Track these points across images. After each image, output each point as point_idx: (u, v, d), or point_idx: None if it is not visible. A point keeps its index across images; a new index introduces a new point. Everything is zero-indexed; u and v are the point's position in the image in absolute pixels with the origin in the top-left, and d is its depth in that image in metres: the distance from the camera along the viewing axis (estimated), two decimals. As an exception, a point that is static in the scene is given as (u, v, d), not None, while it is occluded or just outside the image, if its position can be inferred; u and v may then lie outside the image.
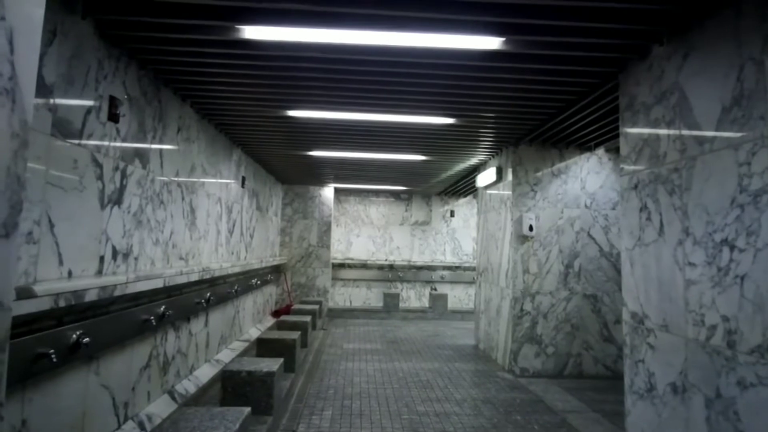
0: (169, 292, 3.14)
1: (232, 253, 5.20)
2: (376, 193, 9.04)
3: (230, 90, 3.39)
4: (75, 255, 2.24)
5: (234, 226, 5.23)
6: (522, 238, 4.63)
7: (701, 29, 2.07)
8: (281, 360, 3.37)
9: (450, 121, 3.91)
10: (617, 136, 4.09)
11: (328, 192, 8.28)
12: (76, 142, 2.26)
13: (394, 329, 7.07)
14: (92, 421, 2.33)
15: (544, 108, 3.57)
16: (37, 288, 1.77)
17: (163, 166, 3.27)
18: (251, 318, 5.99)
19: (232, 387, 2.97)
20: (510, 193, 4.78)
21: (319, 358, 5.03)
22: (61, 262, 2.14)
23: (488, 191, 5.65)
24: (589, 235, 4.68)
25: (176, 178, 3.51)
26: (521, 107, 3.57)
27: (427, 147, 4.98)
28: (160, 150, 3.22)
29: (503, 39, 2.43)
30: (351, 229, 8.99)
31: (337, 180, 7.65)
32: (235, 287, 4.83)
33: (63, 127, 2.15)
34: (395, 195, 9.11)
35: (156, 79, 3.12)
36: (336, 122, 4.08)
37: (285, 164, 6.34)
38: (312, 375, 4.36)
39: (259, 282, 6.02)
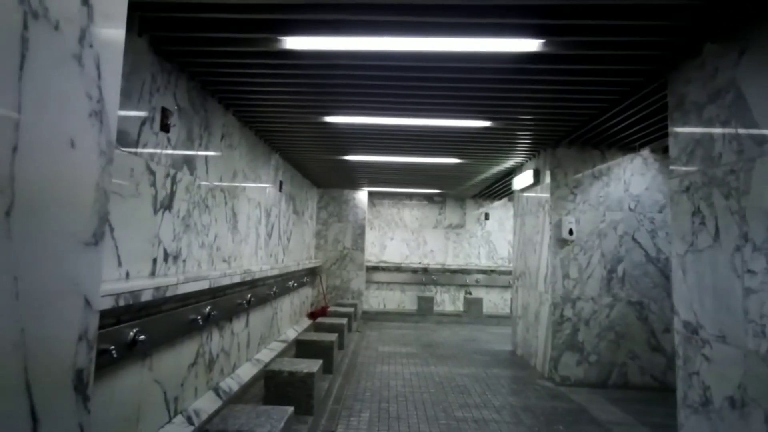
0: (214, 293, 3.27)
1: (271, 256, 5.36)
2: (410, 196, 9.04)
3: (270, 98, 3.51)
4: (132, 257, 2.39)
5: (272, 229, 5.39)
6: (561, 242, 4.51)
7: (758, 25, 1.96)
8: (320, 361, 3.44)
9: (486, 123, 3.87)
10: (664, 136, 3.93)
11: (362, 195, 8.37)
12: (133, 151, 2.41)
13: (429, 333, 7.04)
14: (146, 413, 2.47)
15: (584, 109, 3.47)
16: (101, 288, 1.89)
17: (208, 172, 3.43)
18: (288, 319, 6.14)
19: (275, 386, 3.06)
20: (548, 195, 4.67)
21: (355, 360, 5.09)
22: (119, 264, 2.29)
23: (525, 194, 5.54)
24: (634, 240, 4.49)
25: (220, 184, 3.66)
26: (560, 108, 3.49)
27: (462, 150, 4.94)
28: (206, 157, 3.38)
29: (543, 41, 2.40)
30: (385, 232, 9.04)
31: (371, 184, 7.72)
32: (274, 289, 4.96)
33: (121, 138, 2.30)
34: (429, 198, 9.08)
35: (203, 89, 3.28)
36: (371, 127, 4.13)
37: (320, 168, 6.47)
38: (349, 377, 4.41)
39: (295, 284, 6.16)
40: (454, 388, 4.16)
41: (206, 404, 3.11)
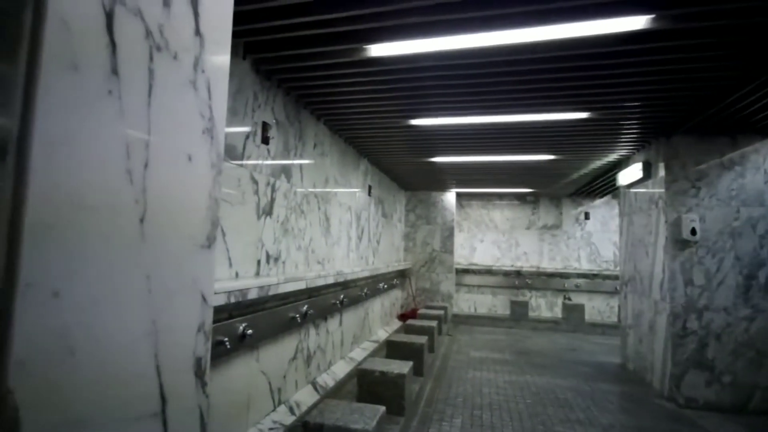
0: (310, 293, 3.48)
1: (361, 258, 5.54)
2: (500, 196, 8.69)
3: (358, 105, 3.64)
4: (240, 259, 2.65)
5: (362, 232, 5.57)
6: (681, 244, 3.95)
7: None
8: (411, 363, 3.46)
9: (583, 115, 3.56)
10: (820, 113, 3.24)
11: (450, 197, 8.26)
12: (239, 163, 2.68)
13: (524, 339, 6.68)
14: (255, 401, 2.71)
15: (705, 89, 3.01)
16: (216, 286, 2.13)
17: (303, 179, 3.66)
18: (379, 320, 6.29)
19: (367, 385, 3.15)
20: (662, 191, 4.13)
21: (446, 364, 5.02)
22: (230, 265, 2.55)
23: (632, 190, 4.98)
24: (780, 240, 3.76)
25: (313, 190, 3.89)
26: (674, 91, 3.06)
27: (557, 145, 4.61)
28: (300, 165, 3.62)
29: (651, 16, 2.13)
30: (474, 234, 8.81)
31: (459, 185, 7.59)
32: (365, 290, 5.12)
33: (230, 152, 2.57)
34: (520, 198, 8.64)
35: (297, 103, 3.53)
36: (459, 127, 4.06)
37: (408, 172, 6.54)
38: (440, 380, 4.37)
39: (385, 286, 6.29)
40: (553, 400, 3.88)
41: (305, 397, 3.32)
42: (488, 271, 8.52)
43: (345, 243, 4.85)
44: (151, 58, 0.75)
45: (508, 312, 8.08)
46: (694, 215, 3.92)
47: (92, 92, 0.65)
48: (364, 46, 2.54)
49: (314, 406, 3.17)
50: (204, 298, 0.86)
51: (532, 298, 8.30)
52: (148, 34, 0.75)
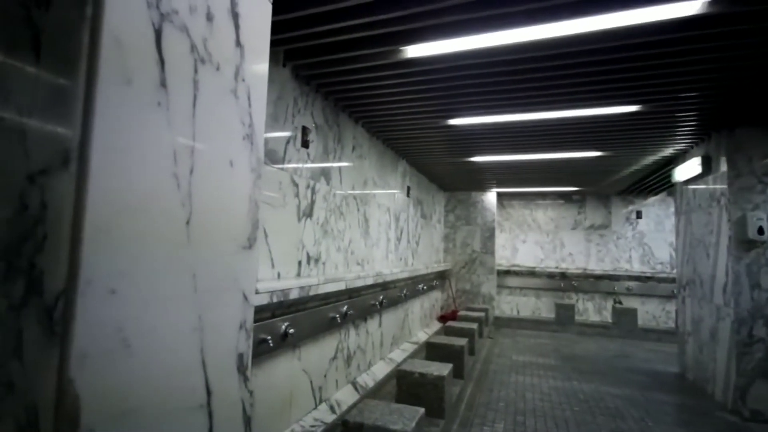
0: (350, 293, 3.53)
1: (400, 259, 5.54)
2: (543, 195, 8.41)
3: (395, 107, 3.65)
4: (282, 260, 2.73)
5: (401, 233, 5.57)
6: (747, 244, 3.64)
7: None
8: (450, 365, 3.41)
9: (633, 108, 3.37)
10: None
11: (490, 197, 8.09)
12: (280, 167, 2.76)
13: (570, 344, 6.41)
14: (297, 399, 2.78)
15: (775, 75, 2.76)
16: (259, 286, 2.21)
17: (342, 181, 3.72)
18: (419, 321, 6.26)
19: (406, 386, 3.15)
20: (725, 187, 3.83)
21: (487, 368, 4.92)
22: (272, 266, 2.64)
23: (690, 186, 4.65)
24: None
25: (352, 192, 3.94)
26: (737, 80, 2.83)
27: (605, 141, 4.39)
28: (339, 168, 3.68)
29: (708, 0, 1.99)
30: (516, 234, 8.57)
31: (499, 184, 7.41)
32: (404, 291, 5.11)
33: (271, 156, 2.66)
34: (565, 197, 8.30)
35: (335, 107, 3.59)
36: (498, 125, 3.97)
37: (447, 172, 6.47)
38: (480, 384, 4.28)
39: (425, 287, 6.25)
40: (602, 409, 3.69)
41: (345, 396, 3.37)
42: (531, 273, 8.25)
43: (384, 244, 4.87)
44: (195, 71, 0.79)
45: (552, 315, 7.79)
46: (761, 213, 3.61)
47: (143, 104, 0.70)
48: (401, 48, 2.55)
49: (354, 405, 3.21)
50: (245, 297, 0.90)
51: (578, 300, 7.95)
52: (193, 48, 0.79)
